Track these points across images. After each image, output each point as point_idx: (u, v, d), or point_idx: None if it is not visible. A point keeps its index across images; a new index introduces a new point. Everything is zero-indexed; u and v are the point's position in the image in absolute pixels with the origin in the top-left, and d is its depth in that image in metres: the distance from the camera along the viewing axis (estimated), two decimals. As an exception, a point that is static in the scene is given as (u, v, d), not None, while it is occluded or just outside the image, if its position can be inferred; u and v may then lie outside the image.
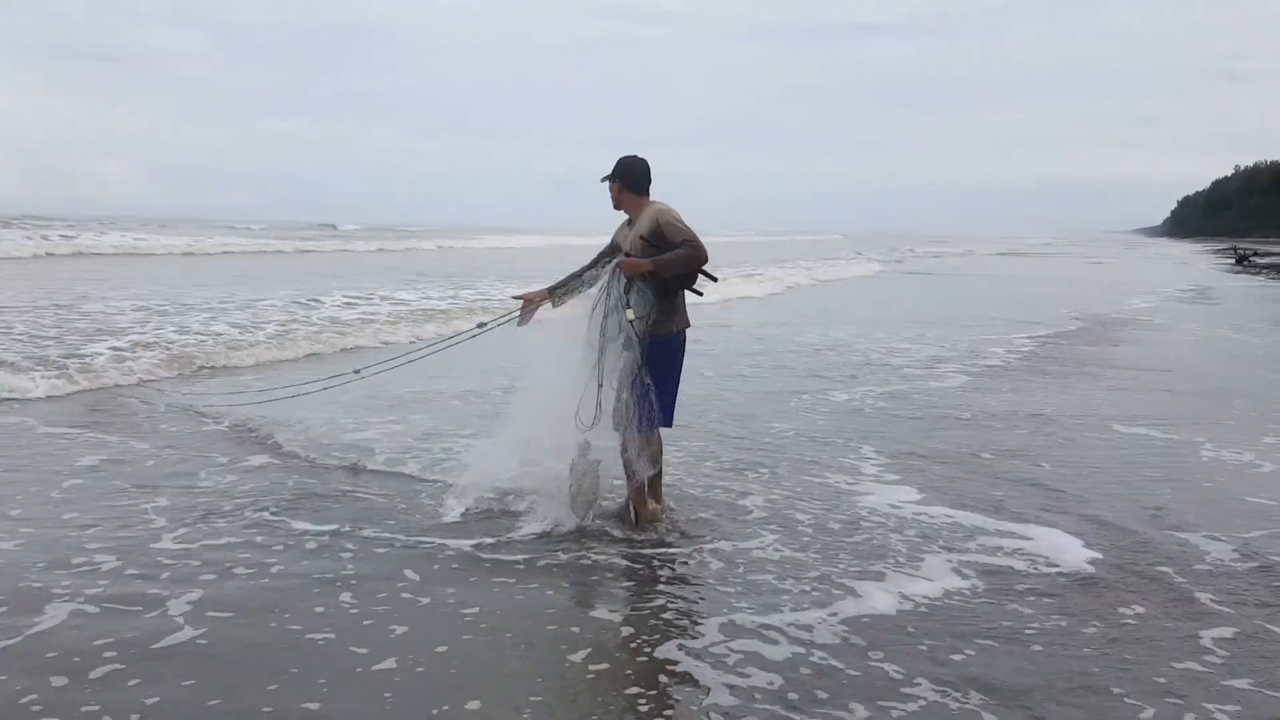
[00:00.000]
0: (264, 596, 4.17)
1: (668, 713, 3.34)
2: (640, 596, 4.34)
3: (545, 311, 5.45)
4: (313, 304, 16.11)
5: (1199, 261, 52.31)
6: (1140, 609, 4.33)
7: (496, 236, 63.28)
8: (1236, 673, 3.73)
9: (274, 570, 4.49)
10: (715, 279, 5.32)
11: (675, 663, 3.71)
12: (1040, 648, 3.92)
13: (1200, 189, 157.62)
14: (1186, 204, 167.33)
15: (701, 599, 4.38)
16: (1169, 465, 6.90)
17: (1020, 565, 4.86)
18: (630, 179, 5.28)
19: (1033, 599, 4.41)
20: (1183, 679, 3.68)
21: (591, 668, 3.63)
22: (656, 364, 5.10)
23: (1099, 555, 4.98)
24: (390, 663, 3.58)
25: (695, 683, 3.56)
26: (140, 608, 3.99)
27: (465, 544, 4.90)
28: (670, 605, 4.25)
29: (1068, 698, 3.50)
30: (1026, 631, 4.05)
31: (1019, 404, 9.02)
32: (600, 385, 4.98)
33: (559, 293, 5.39)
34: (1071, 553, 5.02)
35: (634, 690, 3.46)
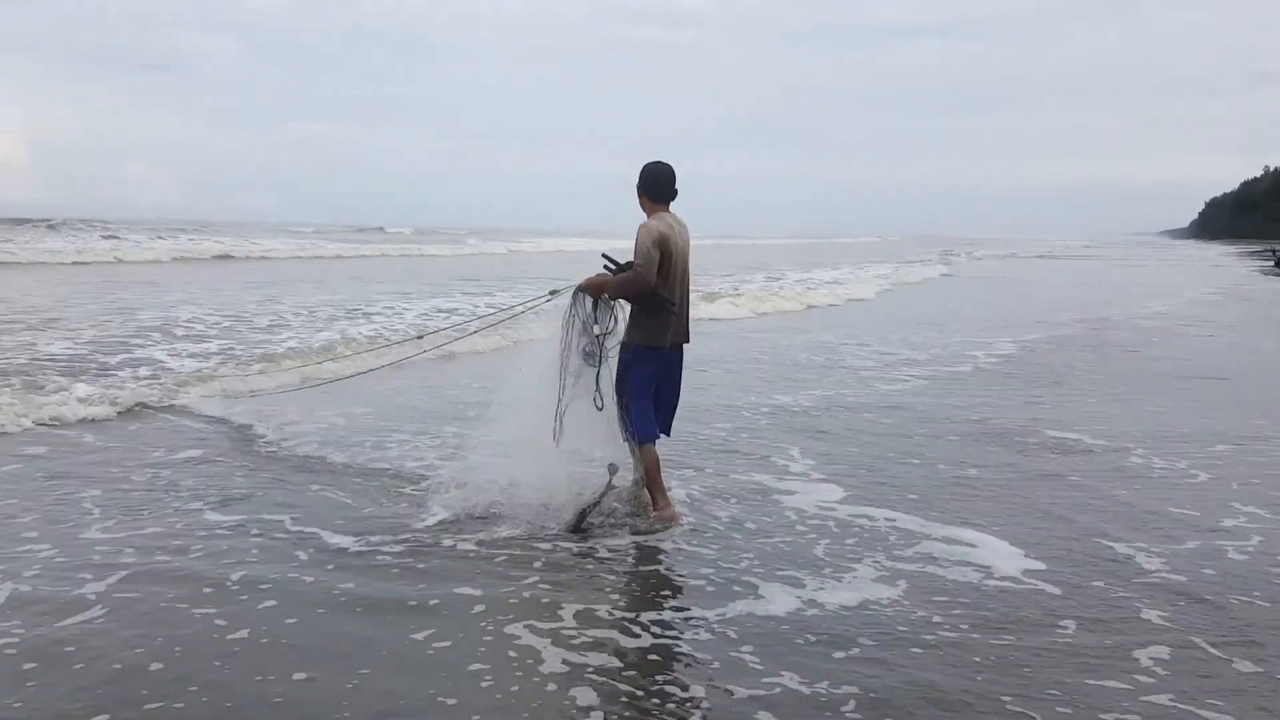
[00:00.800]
0: (169, 578, 4.41)
1: (496, 680, 3.51)
2: (512, 583, 4.46)
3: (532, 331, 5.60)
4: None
5: (1233, 265, 50.04)
6: (1070, 623, 4.12)
7: (546, 239, 63.26)
8: (1154, 690, 3.56)
9: (192, 554, 4.72)
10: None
11: (517, 637, 3.86)
12: (921, 651, 3.80)
13: (1229, 190, 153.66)
14: (1214, 205, 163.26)
15: (575, 588, 4.45)
16: (1099, 474, 6.67)
17: (941, 572, 4.70)
18: (647, 185, 5.21)
19: (958, 608, 4.24)
20: (1081, 692, 3.52)
21: (434, 645, 3.79)
22: (643, 374, 5.12)
23: (1028, 565, 4.80)
24: (243, 633, 3.82)
25: (535, 654, 3.71)
26: (69, 586, 4.26)
27: (369, 537, 5.06)
28: (539, 590, 4.38)
29: (940, 704, 3.39)
30: (926, 638, 3.91)
31: (961, 409, 8.94)
32: (562, 403, 5.00)
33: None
34: (1003, 561, 4.84)
35: (473, 666, 3.63)
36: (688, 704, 3.38)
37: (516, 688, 3.46)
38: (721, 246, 60.60)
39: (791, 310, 19.78)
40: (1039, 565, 4.80)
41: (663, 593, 4.39)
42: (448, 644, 3.80)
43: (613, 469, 5.10)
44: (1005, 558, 4.90)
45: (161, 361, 10.26)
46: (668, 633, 3.98)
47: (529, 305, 5.69)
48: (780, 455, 6.95)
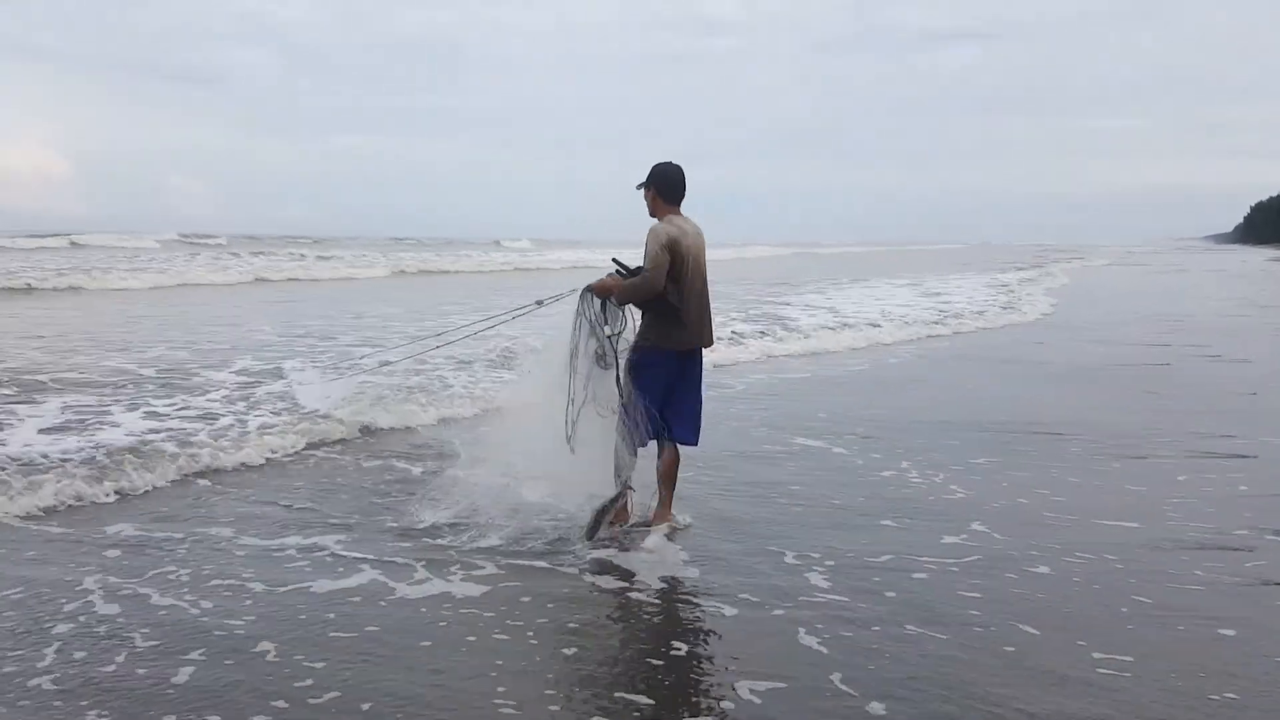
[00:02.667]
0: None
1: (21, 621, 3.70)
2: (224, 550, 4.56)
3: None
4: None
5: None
6: (680, 643, 3.53)
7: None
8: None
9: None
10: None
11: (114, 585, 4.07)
12: (427, 645, 3.46)
13: (1275, 194, 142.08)
14: (1260, 209, 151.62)
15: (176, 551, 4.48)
16: (832, 481, 5.84)
17: (568, 572, 4.23)
18: (659, 185, 4.68)
19: (537, 614, 3.75)
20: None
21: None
22: (651, 376, 4.60)
23: (678, 573, 4.20)
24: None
25: (76, 593, 3.92)
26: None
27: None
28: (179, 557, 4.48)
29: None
30: (462, 638, 3.50)
31: (737, 414, 7.94)
32: (571, 402, 4.55)
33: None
34: (650, 569, 4.23)
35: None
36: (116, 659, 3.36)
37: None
38: (802, 255, 59.42)
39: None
40: (690, 574, 4.19)
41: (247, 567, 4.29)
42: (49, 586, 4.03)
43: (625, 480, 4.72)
44: (658, 565, 4.28)
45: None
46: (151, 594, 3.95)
47: (516, 313, 5.12)
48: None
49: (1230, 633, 3.65)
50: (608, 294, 4.64)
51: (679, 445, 4.76)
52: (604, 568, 4.32)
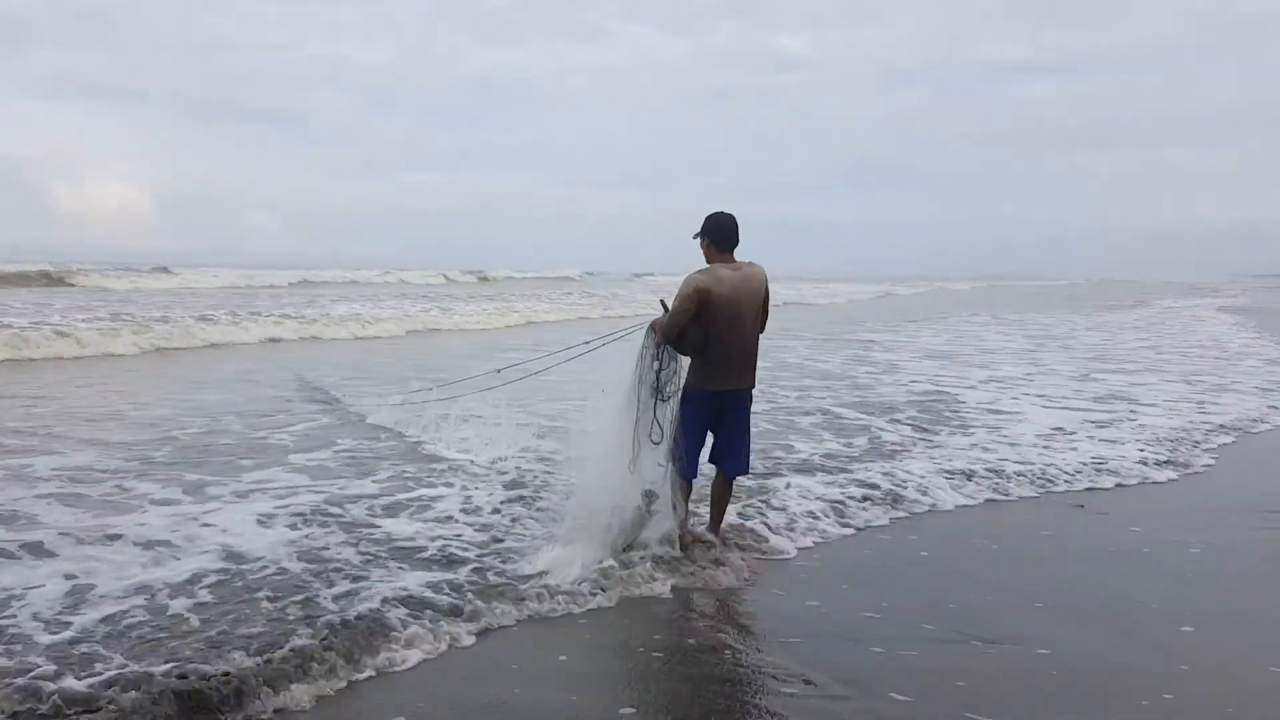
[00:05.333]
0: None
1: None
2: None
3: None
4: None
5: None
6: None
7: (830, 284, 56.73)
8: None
9: None
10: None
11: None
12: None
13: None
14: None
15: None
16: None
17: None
18: (718, 235, 4.68)
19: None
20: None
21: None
22: (690, 412, 4.71)
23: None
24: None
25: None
26: None
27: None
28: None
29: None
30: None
31: None
32: (636, 425, 4.63)
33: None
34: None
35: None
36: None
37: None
38: (939, 291, 54.31)
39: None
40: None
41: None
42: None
43: (650, 496, 4.76)
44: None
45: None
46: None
47: (608, 340, 5.08)
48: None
49: None
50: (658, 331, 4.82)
51: (732, 478, 4.96)
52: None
